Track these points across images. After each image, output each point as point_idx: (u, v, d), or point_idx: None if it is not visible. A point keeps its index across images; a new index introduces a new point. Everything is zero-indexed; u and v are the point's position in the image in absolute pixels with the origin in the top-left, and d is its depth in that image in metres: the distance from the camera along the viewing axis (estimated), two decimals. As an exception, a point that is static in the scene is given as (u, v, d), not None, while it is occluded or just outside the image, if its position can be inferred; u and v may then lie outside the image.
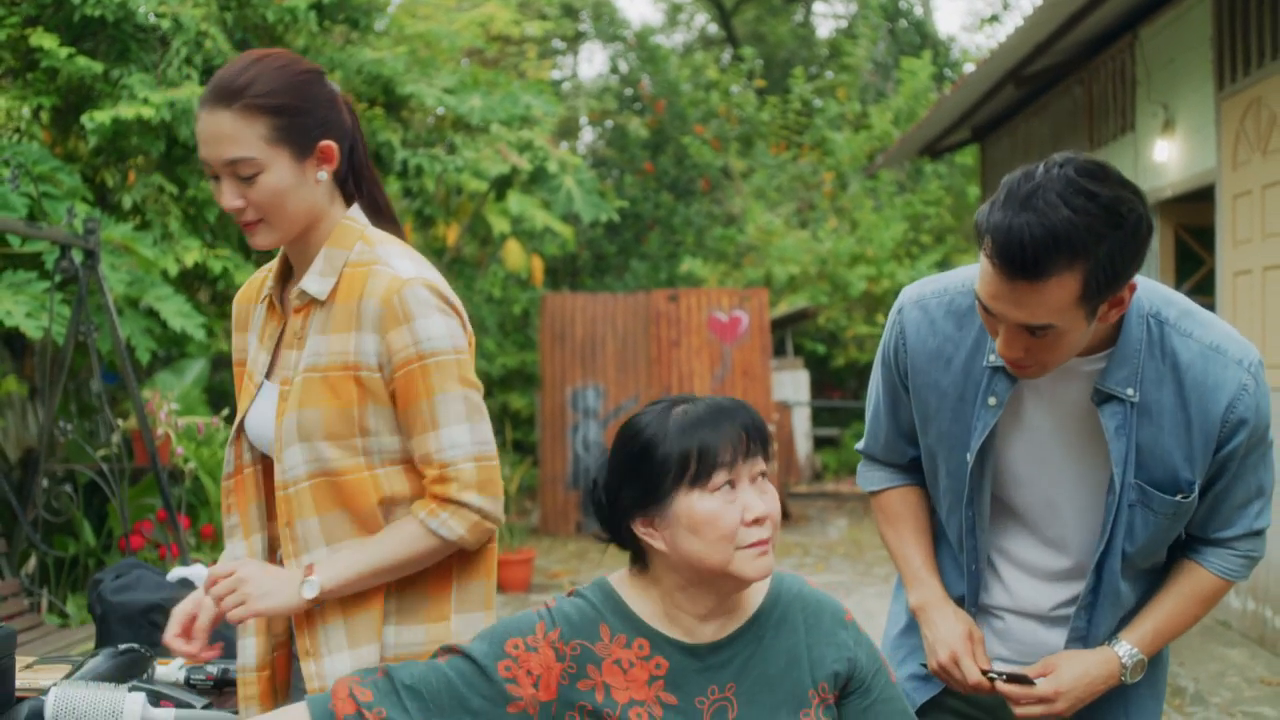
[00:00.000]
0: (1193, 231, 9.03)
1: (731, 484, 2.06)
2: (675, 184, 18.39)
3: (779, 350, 16.25)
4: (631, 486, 2.10)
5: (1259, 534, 2.34)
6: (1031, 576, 2.41)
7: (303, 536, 2.26)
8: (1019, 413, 2.30)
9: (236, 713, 2.48)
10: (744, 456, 2.07)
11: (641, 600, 2.16)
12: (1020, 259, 1.98)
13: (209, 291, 8.11)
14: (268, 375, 2.36)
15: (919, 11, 23.47)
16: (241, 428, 2.39)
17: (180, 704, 2.60)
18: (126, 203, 6.81)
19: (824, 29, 25.58)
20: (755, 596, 2.18)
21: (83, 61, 6.31)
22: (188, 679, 2.90)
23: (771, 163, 18.40)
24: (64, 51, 6.26)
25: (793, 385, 15.50)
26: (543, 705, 2.07)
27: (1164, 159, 8.40)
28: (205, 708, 2.65)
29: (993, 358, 2.26)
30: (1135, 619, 2.34)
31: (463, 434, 2.22)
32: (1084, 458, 2.28)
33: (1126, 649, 2.29)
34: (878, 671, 2.20)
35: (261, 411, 2.34)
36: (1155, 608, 2.33)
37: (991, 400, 2.28)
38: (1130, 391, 2.20)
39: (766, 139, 19.08)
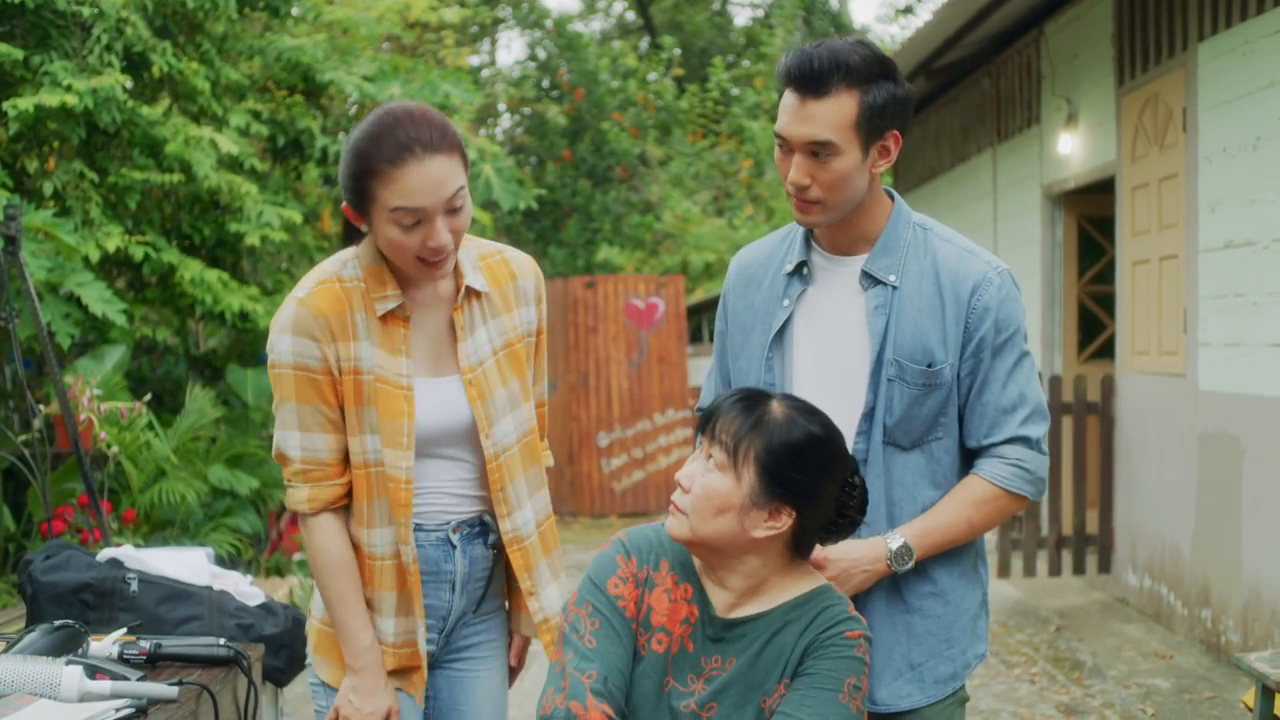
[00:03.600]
0: (1095, 222, 9.28)
1: (706, 453, 2.32)
2: (593, 171, 18.47)
3: (695, 337, 16.39)
4: None
5: (1028, 442, 2.57)
6: None
7: (513, 497, 2.68)
8: (807, 315, 2.64)
9: (174, 684, 2.57)
10: (710, 434, 2.31)
11: None
12: (810, 73, 2.43)
13: (129, 277, 8.10)
14: (418, 373, 2.60)
15: (834, 2, 23.70)
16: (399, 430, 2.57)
17: (115, 676, 2.67)
18: (47, 189, 6.81)
19: (741, 18, 25.73)
20: (786, 591, 2.36)
21: (3, 48, 6.30)
22: (121, 654, 2.95)
23: (689, 151, 18.55)
24: (-17, 38, 6.26)
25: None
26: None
27: (1067, 151, 8.63)
28: (139, 680, 2.72)
29: (789, 266, 2.66)
30: (914, 519, 2.57)
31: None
32: (854, 344, 2.58)
33: (894, 536, 2.52)
34: (835, 671, 2.28)
35: (437, 405, 2.60)
36: (932, 509, 2.57)
37: (785, 302, 2.65)
38: (892, 277, 2.56)
39: (684, 127, 19.21)
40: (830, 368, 2.60)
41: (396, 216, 2.43)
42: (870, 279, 2.57)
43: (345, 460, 2.59)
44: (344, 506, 2.62)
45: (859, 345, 2.57)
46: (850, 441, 2.53)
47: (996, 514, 2.59)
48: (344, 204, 2.55)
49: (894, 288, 2.55)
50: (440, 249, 2.47)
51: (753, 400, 2.31)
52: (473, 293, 2.65)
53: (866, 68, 2.44)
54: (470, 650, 2.77)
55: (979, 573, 2.68)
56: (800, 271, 2.65)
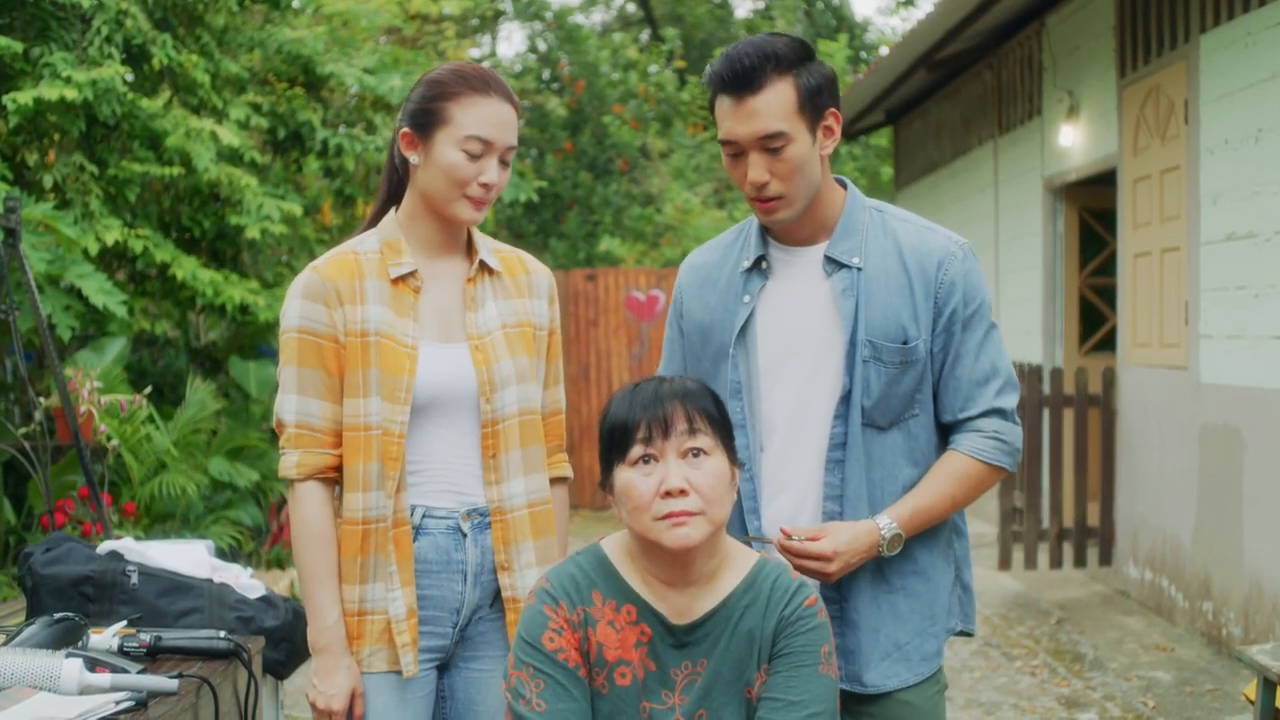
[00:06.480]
0: (1096, 214, 9.27)
1: (652, 458, 2.21)
2: (594, 164, 18.43)
3: (696, 329, 16.36)
4: (601, 459, 2.31)
5: (1003, 414, 2.61)
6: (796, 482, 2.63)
7: (504, 466, 2.68)
8: (770, 309, 2.65)
9: (175, 677, 2.57)
10: (666, 434, 2.21)
11: (629, 566, 2.32)
12: (743, 71, 2.46)
13: (129, 270, 8.10)
14: (423, 336, 2.65)
15: (835, -6, 23.65)
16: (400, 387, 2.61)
17: (115, 669, 2.67)
18: (47, 182, 6.80)
19: (742, 10, 25.70)
20: (733, 576, 2.31)
21: (2, 41, 6.29)
22: (121, 646, 2.95)
23: (690, 143, 18.51)
24: (-17, 30, 6.25)
25: (710, 364, 15.63)
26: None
27: (1069, 144, 8.63)
28: (139, 673, 2.72)
29: (746, 262, 2.67)
30: (898, 500, 2.58)
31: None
32: (823, 329, 2.59)
33: (886, 522, 2.53)
34: (809, 645, 2.26)
35: (441, 365, 2.64)
36: (915, 489, 2.59)
37: (745, 298, 2.66)
38: (856, 260, 2.59)
39: (685, 119, 19.18)
40: (800, 357, 2.61)
41: (467, 142, 2.59)
42: (834, 263, 2.60)
43: (337, 432, 2.62)
44: (332, 480, 2.64)
45: (829, 331, 2.58)
46: (827, 426, 2.56)
47: (977, 488, 2.62)
48: (402, 131, 2.66)
49: (859, 269, 2.58)
50: (490, 186, 2.63)
51: (657, 390, 2.27)
52: (486, 269, 2.76)
53: (792, 53, 2.49)
54: (488, 648, 2.73)
55: (953, 547, 2.72)
56: (759, 266, 2.67)
